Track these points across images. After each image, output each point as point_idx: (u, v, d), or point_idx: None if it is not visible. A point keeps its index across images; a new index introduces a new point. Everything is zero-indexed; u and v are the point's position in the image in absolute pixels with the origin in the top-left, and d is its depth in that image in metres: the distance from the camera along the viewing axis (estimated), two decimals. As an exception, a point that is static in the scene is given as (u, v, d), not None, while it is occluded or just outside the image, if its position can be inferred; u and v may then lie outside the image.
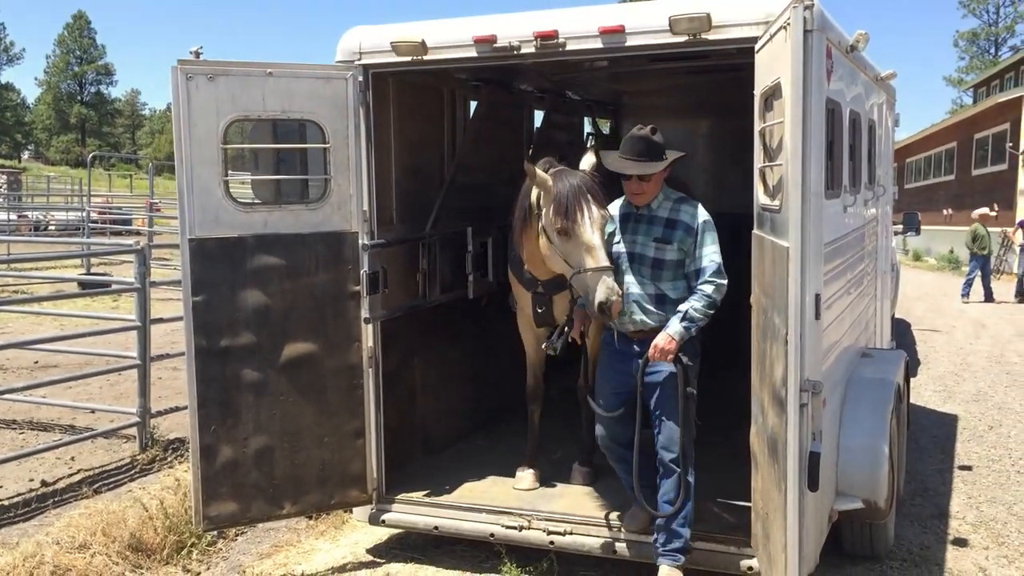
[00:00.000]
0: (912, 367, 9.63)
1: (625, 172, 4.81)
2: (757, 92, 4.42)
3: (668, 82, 8.60)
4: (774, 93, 4.02)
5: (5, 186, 35.36)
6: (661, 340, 4.70)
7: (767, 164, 4.28)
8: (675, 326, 4.70)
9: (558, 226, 4.85)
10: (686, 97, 9.66)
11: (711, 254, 4.75)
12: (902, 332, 13.96)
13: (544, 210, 5.02)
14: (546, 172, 5.08)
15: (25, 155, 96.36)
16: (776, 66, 3.93)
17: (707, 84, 8.24)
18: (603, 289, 4.62)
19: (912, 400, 8.36)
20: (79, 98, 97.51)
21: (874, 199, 7.03)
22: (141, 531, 6.01)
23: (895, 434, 5.75)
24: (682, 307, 4.74)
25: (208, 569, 5.87)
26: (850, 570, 5.55)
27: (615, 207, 5.04)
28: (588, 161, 5.19)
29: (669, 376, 4.80)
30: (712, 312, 4.73)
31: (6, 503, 6.80)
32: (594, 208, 4.84)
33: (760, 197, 4.44)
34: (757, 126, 4.42)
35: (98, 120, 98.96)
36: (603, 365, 5.13)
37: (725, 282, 4.71)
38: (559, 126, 8.84)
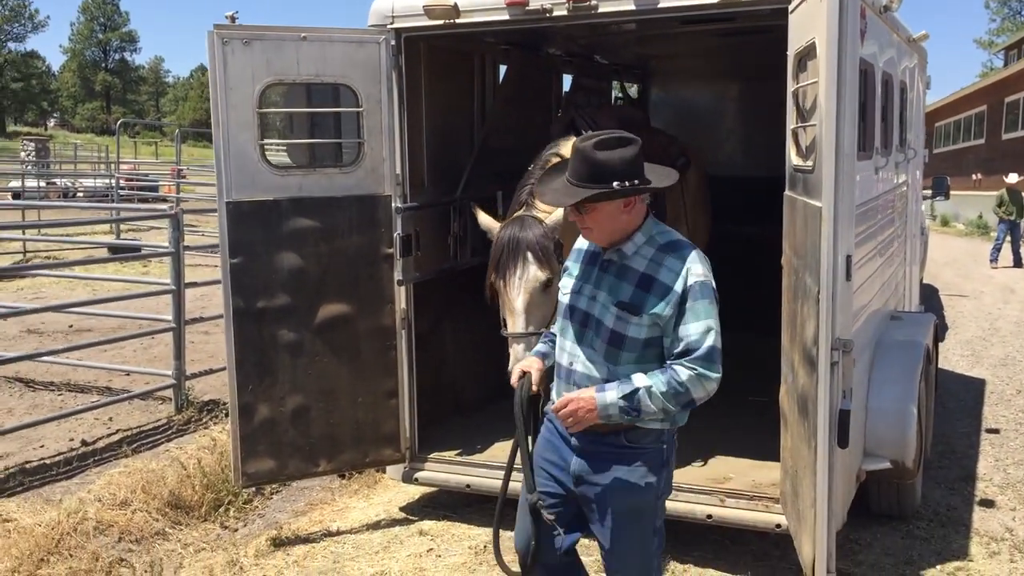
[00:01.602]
0: (940, 332, 9.62)
1: (543, 200, 3.66)
2: (791, 53, 4.42)
3: (697, 45, 8.58)
4: (808, 53, 4.03)
5: (34, 154, 35.68)
6: (576, 403, 3.16)
7: (800, 125, 4.29)
8: (610, 396, 3.12)
9: (489, 280, 4.54)
10: (715, 60, 9.63)
11: (701, 333, 3.10)
12: (929, 297, 13.91)
13: None
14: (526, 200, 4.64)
15: (51, 123, 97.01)
16: (811, 26, 3.94)
17: (737, 47, 8.21)
18: (510, 360, 4.06)
19: (940, 364, 8.37)
20: (103, 65, 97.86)
21: (904, 162, 7.01)
22: (180, 489, 6.16)
23: (923, 396, 5.79)
24: (637, 378, 3.14)
25: (245, 526, 6.02)
26: (877, 529, 5.61)
27: (581, 239, 3.51)
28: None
29: (620, 489, 3.24)
30: (676, 411, 3.18)
31: (48, 462, 6.97)
32: (530, 268, 4.27)
33: (792, 158, 4.45)
34: (790, 87, 4.43)
35: (122, 87, 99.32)
36: (538, 447, 3.55)
37: (716, 377, 3.12)
38: (587, 90, 8.84)
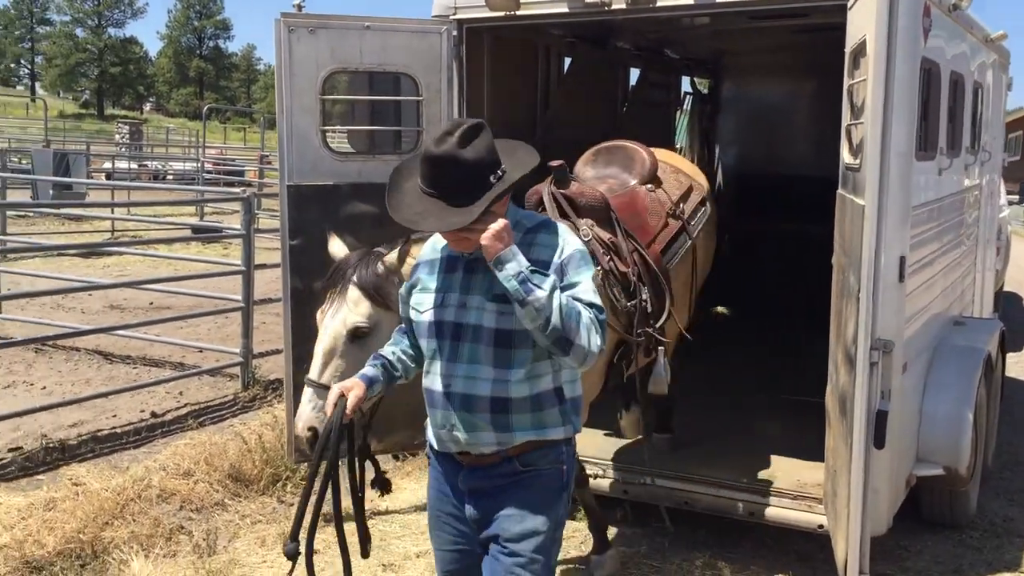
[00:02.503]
0: (1011, 340, 9.34)
1: (420, 226, 2.89)
2: (847, 50, 4.38)
3: (770, 41, 8.49)
4: (861, 50, 3.99)
5: (128, 136, 36.96)
6: (496, 227, 2.72)
7: (852, 122, 4.25)
8: (521, 258, 2.73)
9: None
10: (789, 56, 9.50)
11: (592, 296, 2.83)
12: (1012, 304, 13.47)
13: None
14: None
15: (147, 107, 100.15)
16: (864, 23, 3.90)
17: (810, 44, 8.10)
18: (298, 408, 3.50)
19: (1011, 374, 8.14)
20: (198, 52, 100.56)
21: (976, 165, 6.84)
22: (240, 463, 6.38)
23: (983, 403, 5.66)
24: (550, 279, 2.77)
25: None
26: (928, 537, 5.52)
27: (429, 249, 3.12)
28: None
29: (515, 516, 2.92)
30: (554, 328, 2.70)
31: (119, 431, 7.28)
32: (343, 310, 3.52)
33: (844, 156, 4.41)
34: (845, 84, 4.39)
35: (215, 74, 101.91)
36: (430, 499, 3.19)
37: (599, 344, 2.79)
38: (655, 85, 8.83)
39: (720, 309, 10.62)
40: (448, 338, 2.90)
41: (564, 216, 4.42)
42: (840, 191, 4.50)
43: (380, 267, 3.56)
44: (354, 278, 3.52)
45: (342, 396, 2.97)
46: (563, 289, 2.77)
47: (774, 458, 5.54)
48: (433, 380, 2.95)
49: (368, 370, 3.09)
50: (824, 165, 7.45)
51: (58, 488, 5.81)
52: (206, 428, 7.32)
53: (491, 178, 2.73)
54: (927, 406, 5.18)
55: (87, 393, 7.93)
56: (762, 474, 5.32)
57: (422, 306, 2.99)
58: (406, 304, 3.10)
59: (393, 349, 3.17)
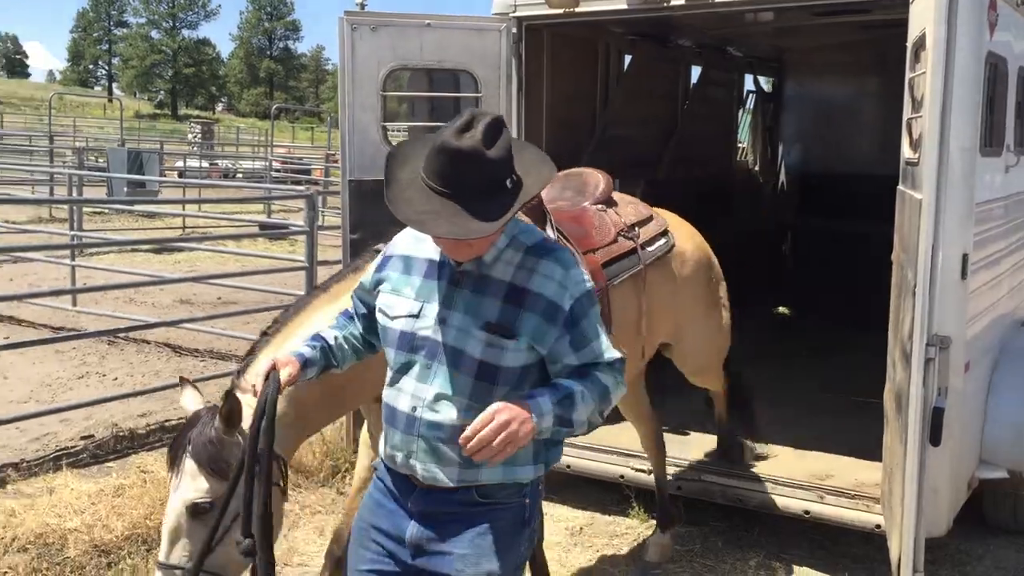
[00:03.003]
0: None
1: (418, 228, 2.42)
2: (908, 43, 4.33)
3: (833, 38, 8.39)
4: (921, 43, 3.94)
5: (199, 136, 37.87)
6: (510, 414, 2.28)
7: (912, 116, 4.20)
8: (545, 403, 2.35)
9: None
10: (852, 54, 9.36)
11: (606, 346, 2.50)
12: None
13: None
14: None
15: (219, 107, 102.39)
16: (924, 15, 3.85)
17: (873, 40, 7.99)
18: None
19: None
20: (268, 53, 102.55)
21: (1048, 163, 6.66)
22: (301, 455, 6.51)
23: (1050, 407, 5.54)
24: (564, 382, 2.44)
25: (359, 494, 6.31)
26: (991, 542, 5.41)
27: (410, 240, 2.66)
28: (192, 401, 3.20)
29: (470, 557, 2.53)
30: (596, 422, 2.52)
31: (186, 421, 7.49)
32: (179, 488, 3.07)
33: (905, 151, 4.36)
34: (906, 77, 4.34)
35: (285, 74, 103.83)
36: (363, 510, 2.75)
37: (624, 390, 2.55)
38: (717, 83, 8.78)
39: (782, 309, 10.52)
40: (421, 355, 2.50)
41: None
42: (900, 187, 4.44)
43: (213, 432, 2.99)
44: (189, 448, 3.03)
45: (274, 369, 2.64)
46: (575, 344, 2.45)
47: (833, 457, 5.48)
48: (396, 398, 2.55)
49: (306, 350, 2.72)
50: (888, 164, 7.36)
51: (127, 475, 6.01)
52: (270, 420, 7.49)
53: (507, 183, 2.35)
54: (991, 407, 5.09)
55: (156, 384, 8.16)
56: (819, 473, 5.28)
57: (392, 310, 2.57)
58: (369, 295, 2.74)
59: (336, 334, 2.81)
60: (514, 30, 5.57)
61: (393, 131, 5.78)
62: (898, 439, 3.87)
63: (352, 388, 3.40)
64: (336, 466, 6.51)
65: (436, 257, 2.54)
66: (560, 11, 5.48)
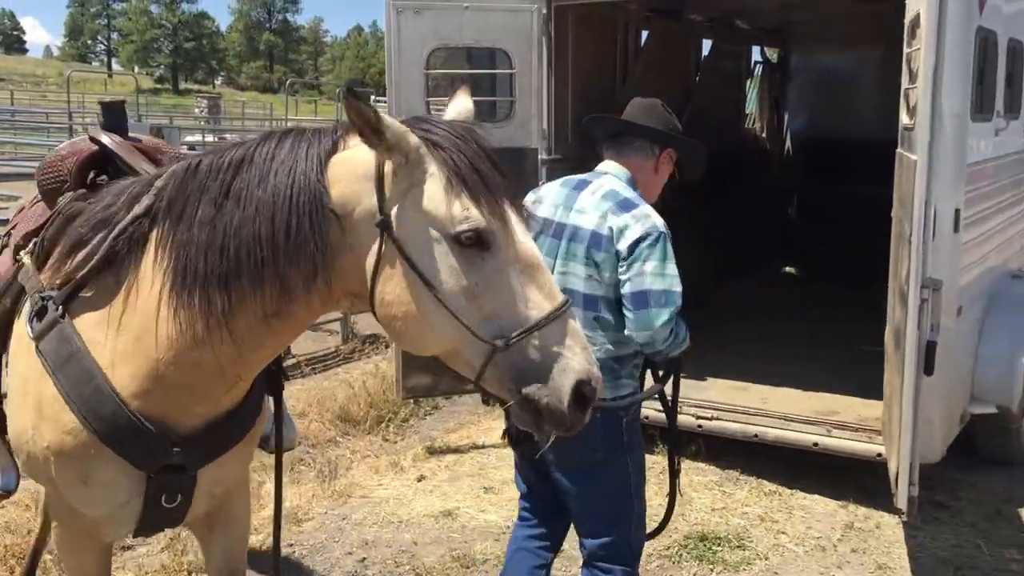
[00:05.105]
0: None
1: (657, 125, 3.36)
2: (906, 20, 4.83)
3: (837, 10, 8.84)
4: (916, 22, 4.43)
5: (207, 110, 38.15)
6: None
7: (909, 87, 4.71)
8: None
9: (468, 227, 2.09)
10: (855, 26, 9.81)
11: (663, 276, 3.04)
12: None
13: (406, 203, 2.13)
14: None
15: (218, 80, 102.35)
16: (918, -1, 4.36)
17: (874, 12, 8.44)
18: (580, 358, 2.11)
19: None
20: (267, 26, 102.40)
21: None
22: (348, 405, 7.09)
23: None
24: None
25: (402, 439, 6.88)
26: (983, 472, 5.94)
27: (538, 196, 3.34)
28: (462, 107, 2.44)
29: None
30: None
31: (234, 377, 8.05)
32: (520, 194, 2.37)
33: (903, 118, 4.87)
34: (904, 52, 4.84)
35: (284, 47, 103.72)
36: None
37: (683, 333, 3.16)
38: (726, 55, 9.25)
39: (789, 269, 11.05)
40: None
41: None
42: (899, 150, 4.96)
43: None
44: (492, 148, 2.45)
45: None
46: (632, 268, 3.07)
47: (838, 397, 6.03)
48: None
49: None
50: (888, 130, 7.84)
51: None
52: (313, 376, 8.05)
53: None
54: (982, 349, 5.67)
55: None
56: (826, 411, 5.82)
57: None
58: None
59: None
60: (544, 11, 6.05)
61: (436, 107, 6.28)
62: (897, 372, 4.41)
63: None
64: (380, 416, 7.08)
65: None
66: (586, -7, 5.98)
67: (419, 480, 5.93)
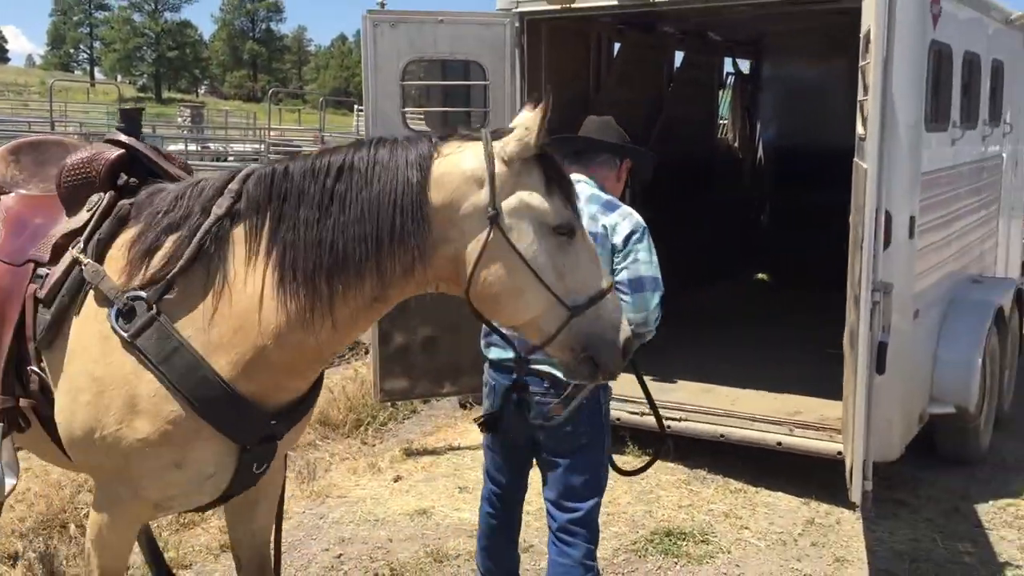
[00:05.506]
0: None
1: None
2: (861, 34, 5.03)
3: (806, 23, 9.05)
4: (868, 37, 4.63)
5: (189, 119, 38.17)
6: None
7: (862, 98, 4.90)
8: None
9: (563, 221, 2.56)
10: (824, 38, 10.04)
11: (651, 264, 3.51)
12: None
13: (513, 201, 2.53)
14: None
15: (202, 89, 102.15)
16: (869, 14, 4.55)
17: (842, 25, 8.65)
18: (625, 323, 2.68)
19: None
20: (251, 35, 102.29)
21: (997, 137, 7.39)
22: (327, 409, 7.21)
23: (995, 352, 6.30)
24: None
25: (381, 442, 7.02)
26: (942, 471, 6.11)
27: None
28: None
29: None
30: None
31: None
32: None
33: (858, 128, 5.06)
34: (860, 64, 5.04)
35: (268, 56, 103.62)
36: None
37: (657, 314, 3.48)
38: (698, 66, 9.46)
39: (760, 275, 11.27)
40: None
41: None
42: (855, 159, 5.16)
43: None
44: None
45: None
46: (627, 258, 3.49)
47: (801, 398, 6.22)
48: None
49: None
50: (853, 139, 8.07)
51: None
52: (293, 381, 8.17)
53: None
54: (941, 351, 5.87)
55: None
56: (790, 411, 6.01)
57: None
58: None
59: None
60: (517, 24, 6.23)
61: (412, 117, 6.46)
62: (852, 370, 4.60)
63: None
64: (359, 420, 7.22)
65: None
66: (558, 7, 6.16)
67: (396, 480, 6.08)
